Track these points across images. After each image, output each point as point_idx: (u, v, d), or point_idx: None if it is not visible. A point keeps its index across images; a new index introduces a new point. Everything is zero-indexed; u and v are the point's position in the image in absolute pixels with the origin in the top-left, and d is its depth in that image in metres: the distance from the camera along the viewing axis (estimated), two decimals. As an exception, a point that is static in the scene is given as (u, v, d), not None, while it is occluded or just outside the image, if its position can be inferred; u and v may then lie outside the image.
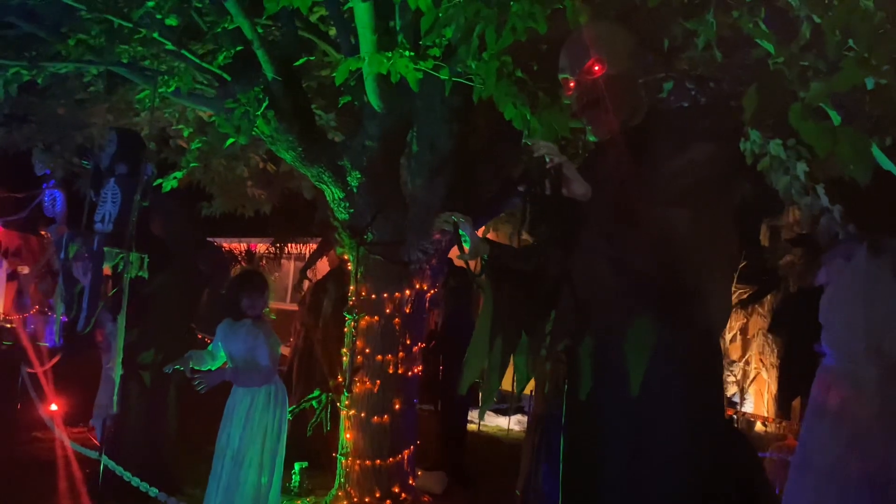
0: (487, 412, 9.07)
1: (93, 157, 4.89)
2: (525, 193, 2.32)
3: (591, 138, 2.56)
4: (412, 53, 3.66)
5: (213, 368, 4.13)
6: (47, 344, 8.80)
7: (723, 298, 2.37)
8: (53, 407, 6.48)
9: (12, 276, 15.45)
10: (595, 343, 2.35)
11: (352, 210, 4.81)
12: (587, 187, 2.26)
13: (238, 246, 15.45)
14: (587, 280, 2.39)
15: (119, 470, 4.13)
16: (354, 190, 4.75)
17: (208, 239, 11.68)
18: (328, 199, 4.90)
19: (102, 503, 4.62)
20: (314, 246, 9.05)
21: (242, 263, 14.11)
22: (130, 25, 3.98)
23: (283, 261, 15.10)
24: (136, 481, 3.97)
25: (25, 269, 15.15)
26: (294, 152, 4.67)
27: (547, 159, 2.26)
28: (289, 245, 14.19)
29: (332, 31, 5.22)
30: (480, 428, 8.59)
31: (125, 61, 4.58)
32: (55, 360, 6.85)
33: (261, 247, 15.25)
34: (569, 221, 2.35)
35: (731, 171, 2.41)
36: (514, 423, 9.04)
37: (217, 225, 11.47)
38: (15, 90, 4.31)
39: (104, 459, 4.34)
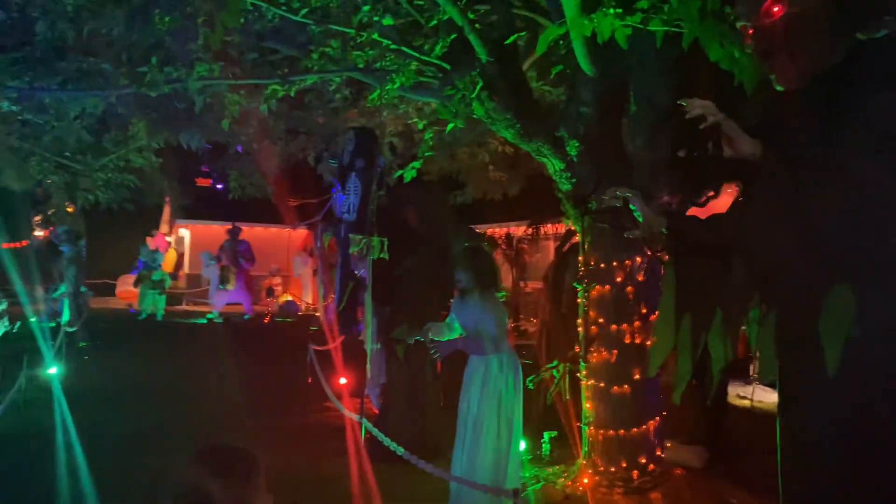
0: (762, 387, 8.39)
1: (337, 156, 5.50)
2: (685, 157, 2.15)
3: (778, 88, 2.27)
4: (619, 10, 3.56)
5: (446, 339, 4.40)
6: (335, 328, 10.04)
7: None
8: (342, 381, 7.36)
9: (317, 272, 17.86)
10: (780, 318, 2.10)
11: (574, 180, 4.79)
12: (756, 145, 2.03)
13: (498, 231, 16.07)
14: (767, 247, 2.14)
15: (376, 433, 4.60)
16: (574, 159, 4.73)
17: (470, 226, 12.36)
18: (550, 171, 4.93)
19: (374, 463, 5.18)
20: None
21: (503, 247, 14.65)
22: (353, 32, 4.40)
23: (542, 242, 15.39)
24: (392, 445, 4.37)
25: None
26: (513, 129, 4.78)
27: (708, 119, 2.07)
28: (545, 225, 14.41)
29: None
30: (753, 403, 7.98)
31: (360, 66, 5.06)
32: (340, 339, 7.78)
33: (519, 229, 15.69)
34: (738, 184, 2.13)
35: None
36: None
37: (479, 212, 12.06)
38: (275, 105, 5.01)
39: (364, 423, 4.87)
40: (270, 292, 18.10)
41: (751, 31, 2.23)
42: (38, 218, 12.34)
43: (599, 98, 4.58)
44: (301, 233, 18.74)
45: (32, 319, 9.60)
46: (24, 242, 11.88)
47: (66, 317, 10.77)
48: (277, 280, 18.83)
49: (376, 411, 6.47)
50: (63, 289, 11.26)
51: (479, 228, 14.76)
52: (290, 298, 17.95)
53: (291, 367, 8.78)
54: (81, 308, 10.77)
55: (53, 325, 10.51)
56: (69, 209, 11.18)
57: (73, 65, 5.31)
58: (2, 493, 4.81)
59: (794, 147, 2.02)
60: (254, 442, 6.03)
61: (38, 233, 12.29)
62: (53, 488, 4.73)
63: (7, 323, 7.50)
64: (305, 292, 18.72)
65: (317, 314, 15.11)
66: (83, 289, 11.31)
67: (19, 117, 6.64)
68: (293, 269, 19.09)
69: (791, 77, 2.16)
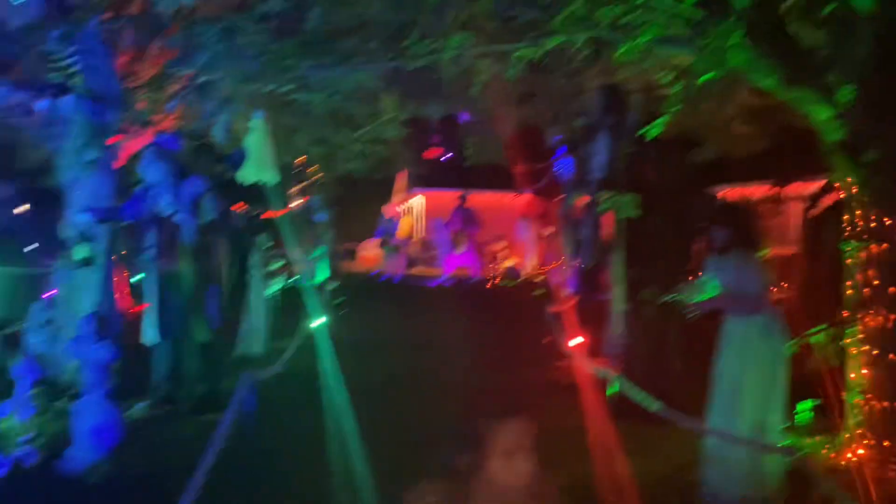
0: None
1: (586, 115, 5.53)
2: None
3: None
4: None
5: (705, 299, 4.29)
6: (570, 290, 10.14)
7: None
8: (578, 340, 7.44)
9: (547, 235, 18.06)
10: None
11: (845, 129, 4.40)
12: None
13: (736, 192, 15.04)
14: None
15: (629, 389, 4.61)
16: (848, 106, 4.34)
17: (705, 189, 11.75)
18: (814, 121, 4.57)
19: (618, 420, 5.23)
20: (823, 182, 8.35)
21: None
22: (604, -13, 4.38)
23: (784, 205, 14.15)
24: (646, 401, 4.35)
25: (551, 230, 17.55)
26: (774, 77, 4.50)
27: None
28: (791, 185, 13.21)
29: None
30: None
31: (606, 22, 5.02)
32: (573, 300, 7.87)
33: (759, 190, 14.54)
34: None
35: None
36: None
37: (716, 171, 11.43)
38: (522, 70, 5.15)
39: (615, 380, 4.91)
40: (495, 257, 18.64)
41: None
42: (296, 188, 13.81)
43: (878, 37, 4.15)
44: (525, 198, 18.98)
45: (298, 278, 10.86)
46: (286, 209, 13.34)
47: (323, 276, 12.03)
48: (502, 245, 19.31)
49: (616, 371, 6.47)
50: (319, 251, 12.57)
51: (716, 189, 13.98)
52: (513, 263, 18.38)
53: (522, 325, 9.08)
54: (337, 269, 11.97)
55: (314, 283, 11.79)
56: (323, 179, 12.44)
57: (343, 45, 5.89)
58: (286, 423, 5.62)
59: None
60: (500, 394, 6.40)
61: (297, 201, 13.78)
62: (324, 421, 5.40)
63: (285, 278, 8.57)
64: (528, 257, 19.01)
65: (537, 279, 15.31)
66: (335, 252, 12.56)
67: (290, 97, 7.50)
68: (518, 234, 19.46)
69: None
